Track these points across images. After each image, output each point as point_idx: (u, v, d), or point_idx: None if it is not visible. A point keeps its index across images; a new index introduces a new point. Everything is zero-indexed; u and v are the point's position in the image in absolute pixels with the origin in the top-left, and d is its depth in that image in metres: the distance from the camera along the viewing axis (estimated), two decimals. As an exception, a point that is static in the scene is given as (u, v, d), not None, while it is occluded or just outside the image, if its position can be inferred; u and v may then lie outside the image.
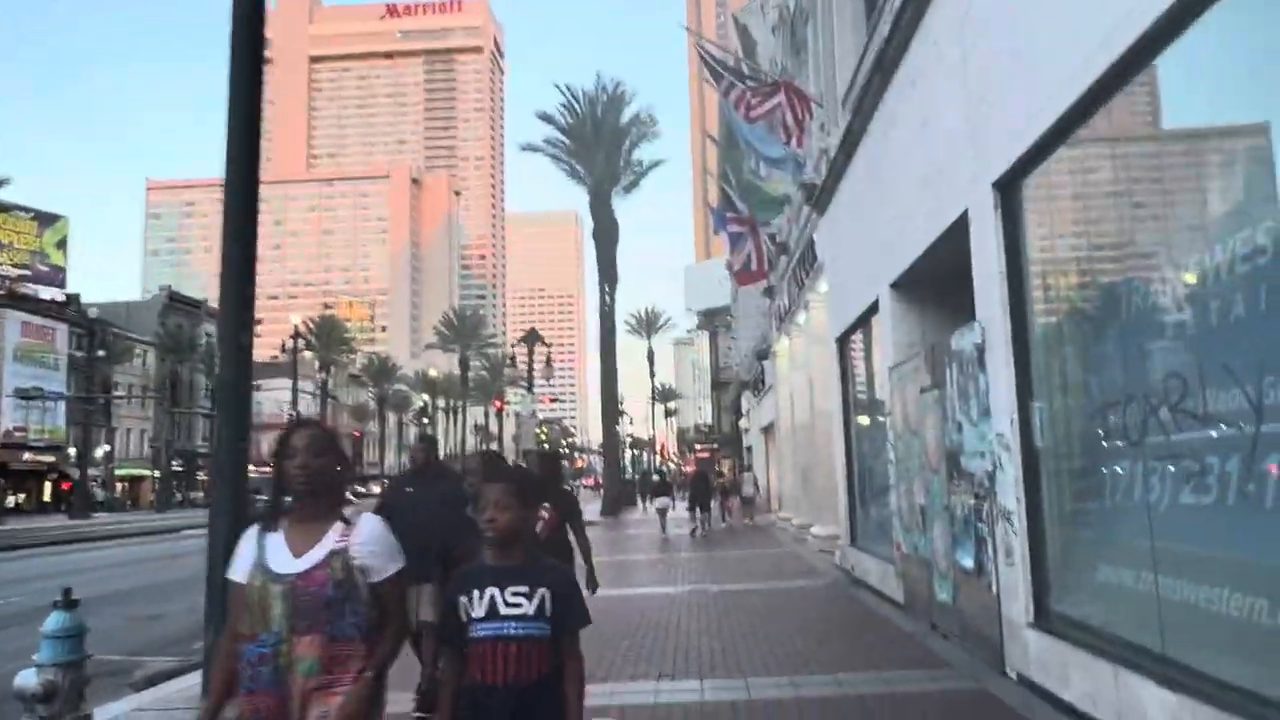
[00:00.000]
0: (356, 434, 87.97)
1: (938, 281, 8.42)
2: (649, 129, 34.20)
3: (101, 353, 48.33)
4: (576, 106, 33.75)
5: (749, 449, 35.04)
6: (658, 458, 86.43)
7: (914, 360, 8.08)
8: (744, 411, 36.16)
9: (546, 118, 33.92)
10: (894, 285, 8.87)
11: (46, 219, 66.54)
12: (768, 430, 29.18)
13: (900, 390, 8.53)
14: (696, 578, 12.44)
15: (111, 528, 31.41)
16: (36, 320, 60.65)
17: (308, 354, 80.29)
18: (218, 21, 4.56)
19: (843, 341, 12.01)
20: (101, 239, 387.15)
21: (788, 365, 20.59)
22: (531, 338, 16.13)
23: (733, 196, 20.83)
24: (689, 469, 75.04)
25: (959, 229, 6.57)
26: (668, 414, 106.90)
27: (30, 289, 63.71)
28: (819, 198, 12.61)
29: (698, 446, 68.84)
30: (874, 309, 9.78)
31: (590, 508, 33.11)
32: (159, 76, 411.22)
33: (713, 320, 64.03)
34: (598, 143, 33.67)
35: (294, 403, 41.57)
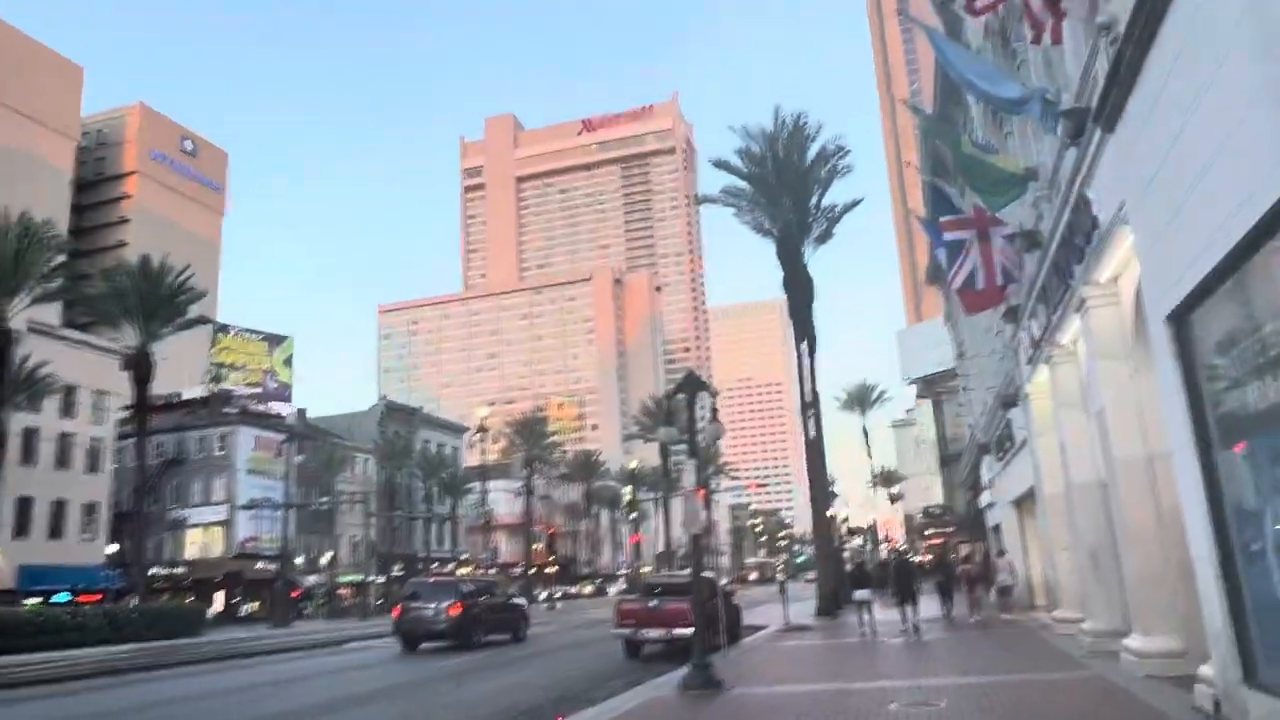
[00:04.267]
0: (550, 529, 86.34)
1: None
2: (839, 161, 29.73)
3: (299, 458, 49.03)
4: (754, 148, 30.05)
5: (995, 528, 28.54)
6: (884, 546, 78.31)
7: None
8: (985, 483, 29.76)
9: (722, 164, 30.37)
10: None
11: (274, 340, 71.22)
12: (1021, 502, 23.04)
13: None
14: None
15: (294, 639, 29.84)
16: (266, 434, 63.99)
17: (516, 455, 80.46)
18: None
19: (1181, 319, 6.98)
20: (344, 359, 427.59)
21: (1050, 407, 15.11)
22: (691, 383, 12.00)
23: (948, 192, 16.05)
24: (923, 558, 66.58)
25: None
26: (892, 499, 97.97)
27: (261, 406, 67.85)
28: (1109, 105, 7.83)
29: (929, 532, 60.80)
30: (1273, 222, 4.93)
31: (804, 606, 27.89)
32: (374, 206, 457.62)
33: (934, 388, 57.14)
34: (781, 185, 29.65)
35: (484, 501, 39.63)
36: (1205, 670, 7.52)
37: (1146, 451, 10.17)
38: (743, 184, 30.68)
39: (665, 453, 72.21)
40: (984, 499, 30.98)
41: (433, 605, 21.07)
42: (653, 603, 17.62)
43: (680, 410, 15.61)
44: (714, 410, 12.28)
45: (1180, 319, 6.98)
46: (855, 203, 31.54)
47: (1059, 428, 14.34)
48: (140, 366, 33.72)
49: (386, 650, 22.67)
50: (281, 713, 12.01)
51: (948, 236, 15.68)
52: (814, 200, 30.57)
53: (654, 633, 17.20)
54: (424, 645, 21.69)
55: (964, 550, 35.13)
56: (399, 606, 22.26)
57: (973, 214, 15.66)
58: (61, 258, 31.46)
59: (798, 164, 29.98)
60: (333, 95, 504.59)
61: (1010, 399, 18.12)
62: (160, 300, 34.39)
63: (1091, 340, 10.99)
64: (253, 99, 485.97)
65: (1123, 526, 10.46)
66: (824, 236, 31.43)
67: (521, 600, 28.52)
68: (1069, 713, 8.37)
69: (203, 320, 36.13)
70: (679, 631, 16.30)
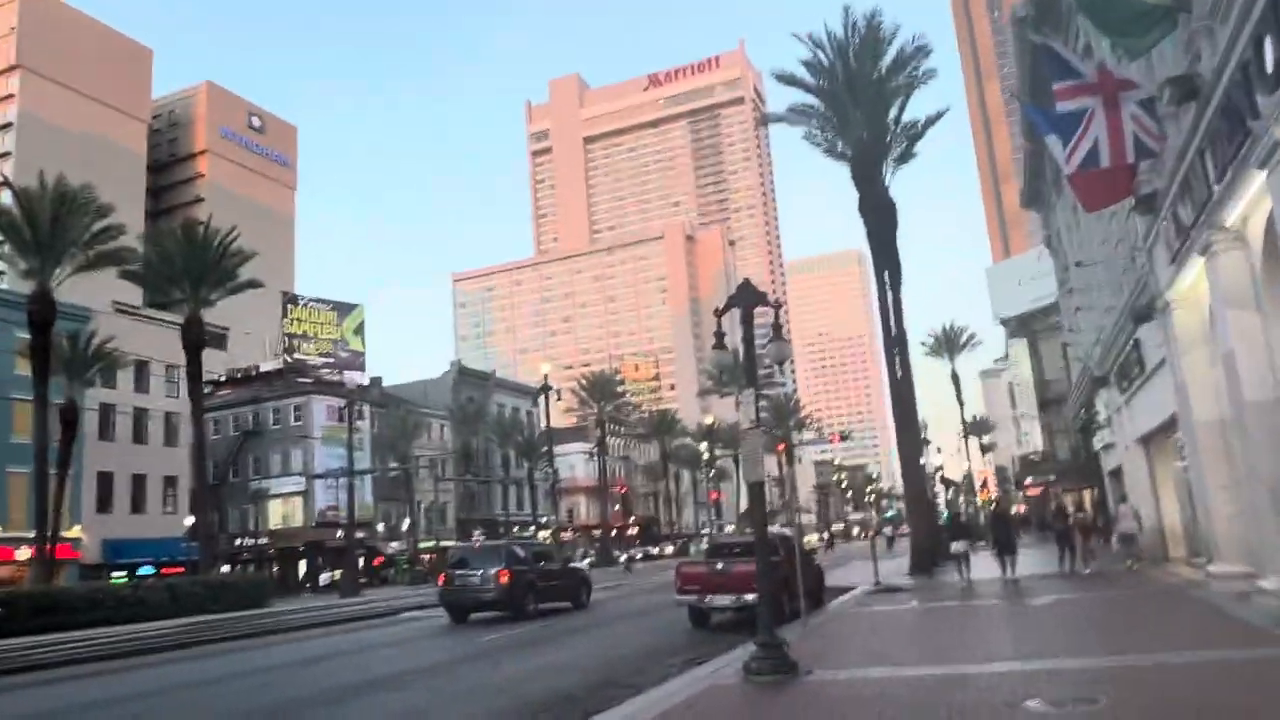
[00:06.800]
0: (624, 489, 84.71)
1: None
2: (919, 65, 26.25)
3: (361, 421, 48.13)
4: (822, 58, 26.81)
5: (1115, 472, 25.22)
6: (978, 497, 74.44)
7: None
8: (1101, 421, 26.34)
9: (788, 79, 27.20)
10: None
11: (344, 308, 70.75)
12: (1150, 438, 19.83)
13: None
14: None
15: (354, 609, 28.64)
16: (339, 403, 63.62)
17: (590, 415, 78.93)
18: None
19: None
20: (421, 329, 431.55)
21: (1201, 315, 12.09)
22: (745, 294, 9.51)
23: (1060, 50, 12.94)
24: (1019, 508, 62.76)
25: None
26: (983, 449, 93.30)
27: (335, 376, 67.56)
28: None
29: (1028, 480, 56.92)
30: None
31: (896, 564, 25.27)
32: (444, 174, 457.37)
33: (1030, 326, 52.87)
34: (854, 98, 26.42)
35: (550, 461, 38.02)
36: None
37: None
38: (812, 100, 27.58)
39: (740, 407, 69.75)
40: (1099, 440, 27.56)
41: (479, 572, 19.15)
42: (719, 565, 15.30)
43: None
44: (777, 327, 9.82)
45: None
46: (939, 114, 28.15)
47: (1220, 336, 11.33)
48: (191, 332, 32.71)
49: (437, 622, 20.97)
50: (263, 707, 10.13)
51: (1062, 107, 12.57)
52: (892, 113, 27.30)
53: (721, 599, 14.91)
54: (475, 616, 19.87)
55: (1073, 498, 31.83)
56: (443, 575, 20.46)
57: (1095, 77, 12.60)
58: (104, 223, 30.40)
59: (871, 72, 26.66)
60: (389, 64, 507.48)
61: (1144, 312, 14.99)
62: (208, 265, 33.27)
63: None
64: (311, 68, 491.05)
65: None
66: (905, 156, 28.17)
67: (583, 564, 26.60)
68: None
69: (253, 284, 34.88)
70: (749, 597, 13.96)
